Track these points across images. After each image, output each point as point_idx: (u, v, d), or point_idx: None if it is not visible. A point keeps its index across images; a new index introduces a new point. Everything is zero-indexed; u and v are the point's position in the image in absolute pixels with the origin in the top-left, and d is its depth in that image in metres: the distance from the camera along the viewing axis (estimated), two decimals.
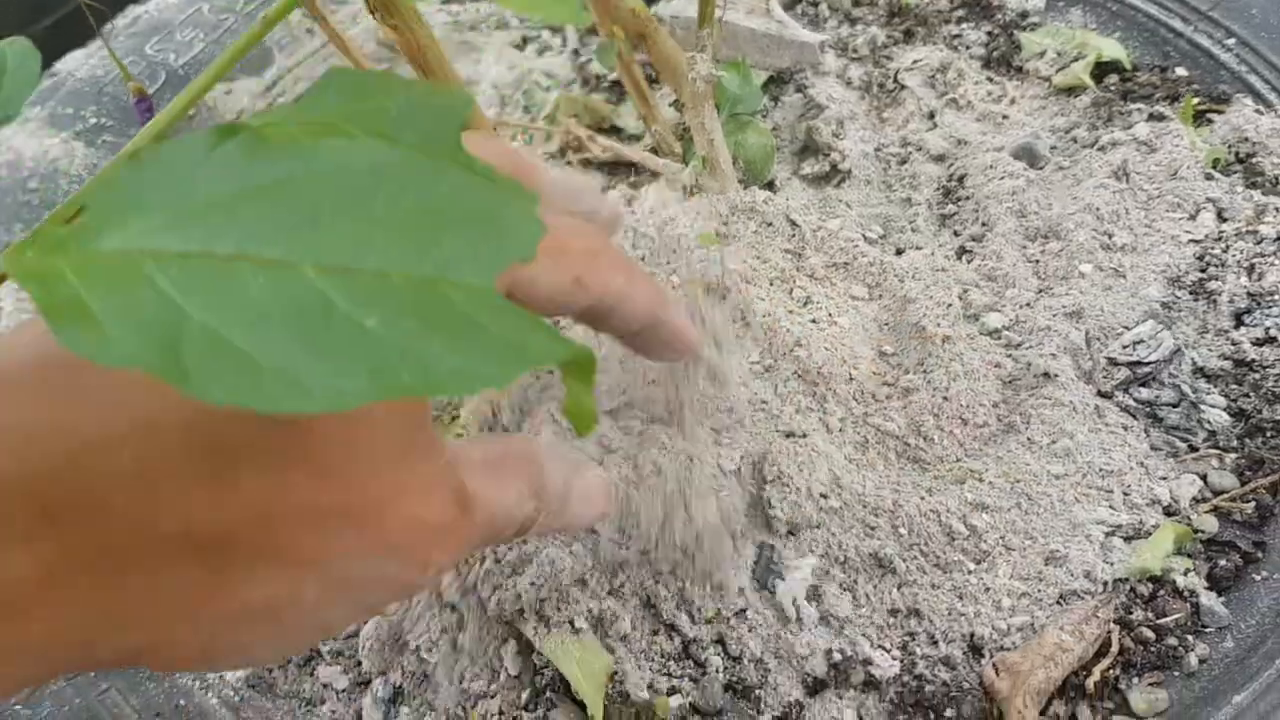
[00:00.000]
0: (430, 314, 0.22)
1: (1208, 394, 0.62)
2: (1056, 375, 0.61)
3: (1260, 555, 0.56)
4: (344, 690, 0.56)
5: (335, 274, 0.22)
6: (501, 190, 0.25)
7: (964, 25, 0.84)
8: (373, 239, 0.23)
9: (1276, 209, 0.68)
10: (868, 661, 0.54)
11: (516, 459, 0.45)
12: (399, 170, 0.24)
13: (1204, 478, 0.59)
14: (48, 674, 0.32)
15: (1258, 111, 0.73)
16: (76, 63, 0.84)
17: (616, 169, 0.77)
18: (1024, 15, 0.84)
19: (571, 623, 0.54)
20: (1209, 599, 0.55)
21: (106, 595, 0.30)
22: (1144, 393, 0.62)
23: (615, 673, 0.54)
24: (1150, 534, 0.57)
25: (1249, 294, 0.65)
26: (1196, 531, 0.57)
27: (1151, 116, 0.74)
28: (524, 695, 0.54)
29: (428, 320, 0.22)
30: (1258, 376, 0.62)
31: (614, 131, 0.81)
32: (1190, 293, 0.66)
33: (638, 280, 0.43)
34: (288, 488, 0.32)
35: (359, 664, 0.57)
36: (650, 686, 0.54)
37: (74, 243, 0.23)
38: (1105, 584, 0.55)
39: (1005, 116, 0.77)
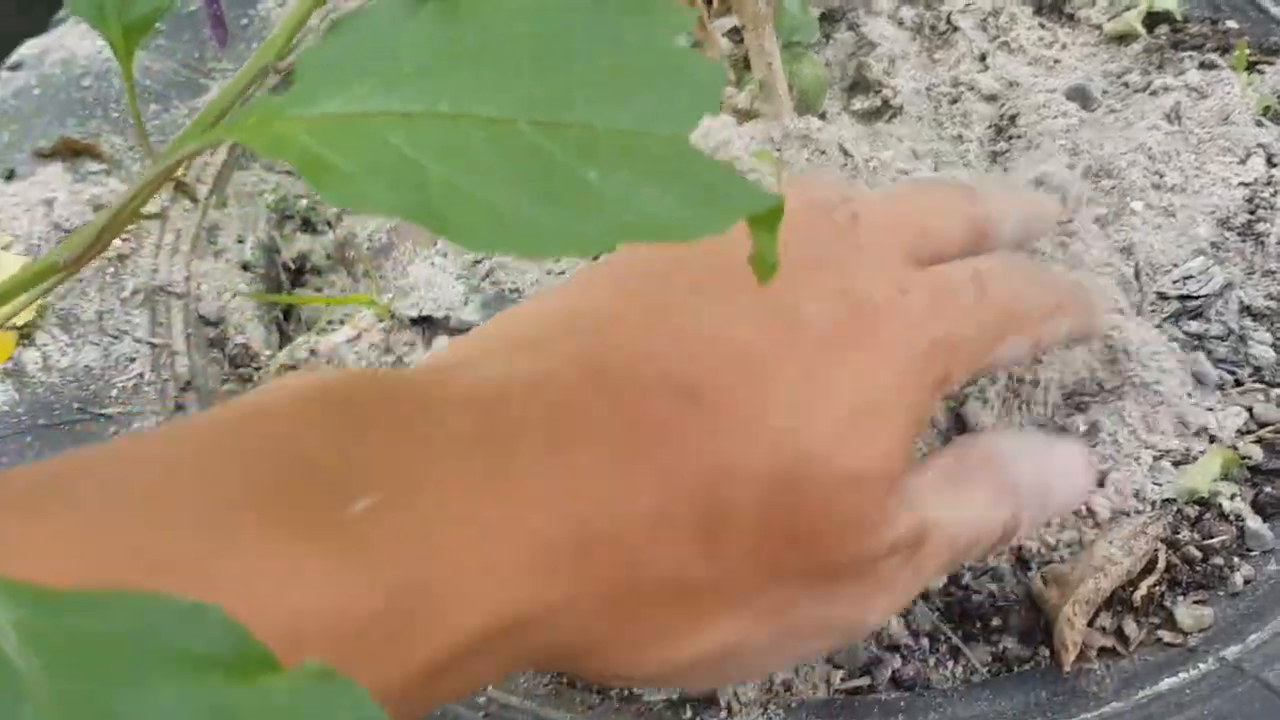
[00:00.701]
0: (641, 165, 0.23)
1: (1254, 331, 0.63)
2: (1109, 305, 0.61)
3: None
4: None
5: (549, 128, 0.24)
6: (682, 50, 0.26)
7: None
8: (576, 95, 0.24)
9: None
10: None
11: (976, 464, 0.44)
12: (590, 27, 0.26)
13: (1250, 410, 0.60)
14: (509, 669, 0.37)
15: None
16: None
17: None
18: None
19: None
20: (1255, 523, 0.55)
21: (600, 622, 0.34)
22: (1193, 325, 0.63)
23: None
24: (1198, 459, 0.58)
25: None
26: (1243, 458, 0.58)
27: (1203, 65, 0.75)
28: None
29: (640, 171, 0.23)
30: None
31: None
32: (1239, 234, 0.67)
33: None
34: (763, 552, 0.35)
35: None
36: None
37: (296, 108, 0.24)
38: (1153, 504, 0.56)
39: (1057, 61, 0.78)
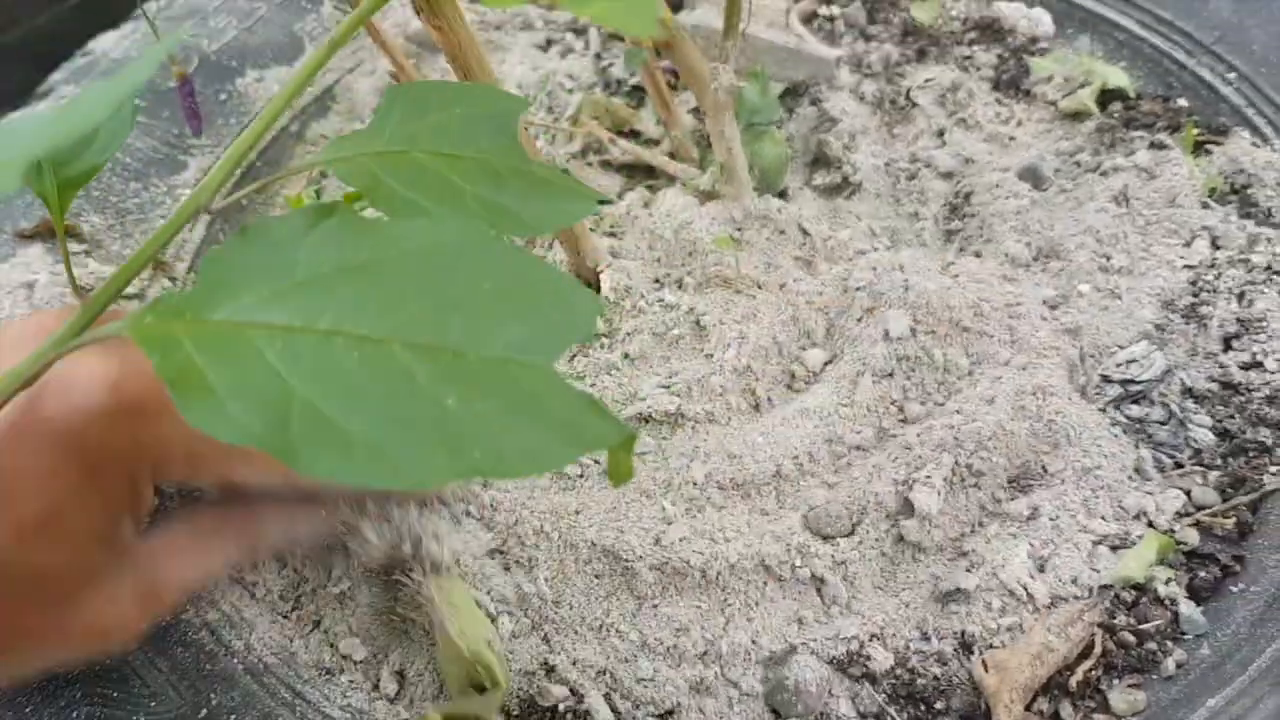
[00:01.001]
0: (500, 393, 0.25)
1: (1195, 414, 0.65)
2: (1053, 390, 0.64)
3: (1238, 568, 0.59)
4: (361, 661, 0.58)
5: (421, 351, 0.25)
6: (563, 276, 0.28)
7: (975, 47, 0.87)
8: (452, 319, 0.26)
9: (1268, 239, 0.71)
10: (865, 654, 0.57)
11: (233, 528, 0.55)
12: (477, 252, 0.27)
13: (1188, 493, 0.62)
14: None
15: (1254, 145, 0.76)
16: (111, 43, 0.86)
17: (635, 171, 0.80)
18: (1034, 40, 0.86)
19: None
20: (1188, 608, 0.57)
21: None
22: (1135, 410, 0.65)
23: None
24: (1135, 544, 0.60)
25: (1238, 320, 0.68)
26: (1179, 544, 0.60)
27: (1152, 144, 0.77)
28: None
29: (498, 399, 0.24)
30: (1243, 399, 0.65)
31: (633, 135, 0.84)
32: (1183, 316, 0.69)
33: None
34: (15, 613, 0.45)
35: (374, 638, 0.59)
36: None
37: (189, 311, 0.26)
38: (1090, 589, 0.58)
39: (1012, 138, 0.80)
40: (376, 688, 0.57)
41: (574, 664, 0.57)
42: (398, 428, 0.24)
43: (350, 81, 0.88)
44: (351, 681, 0.58)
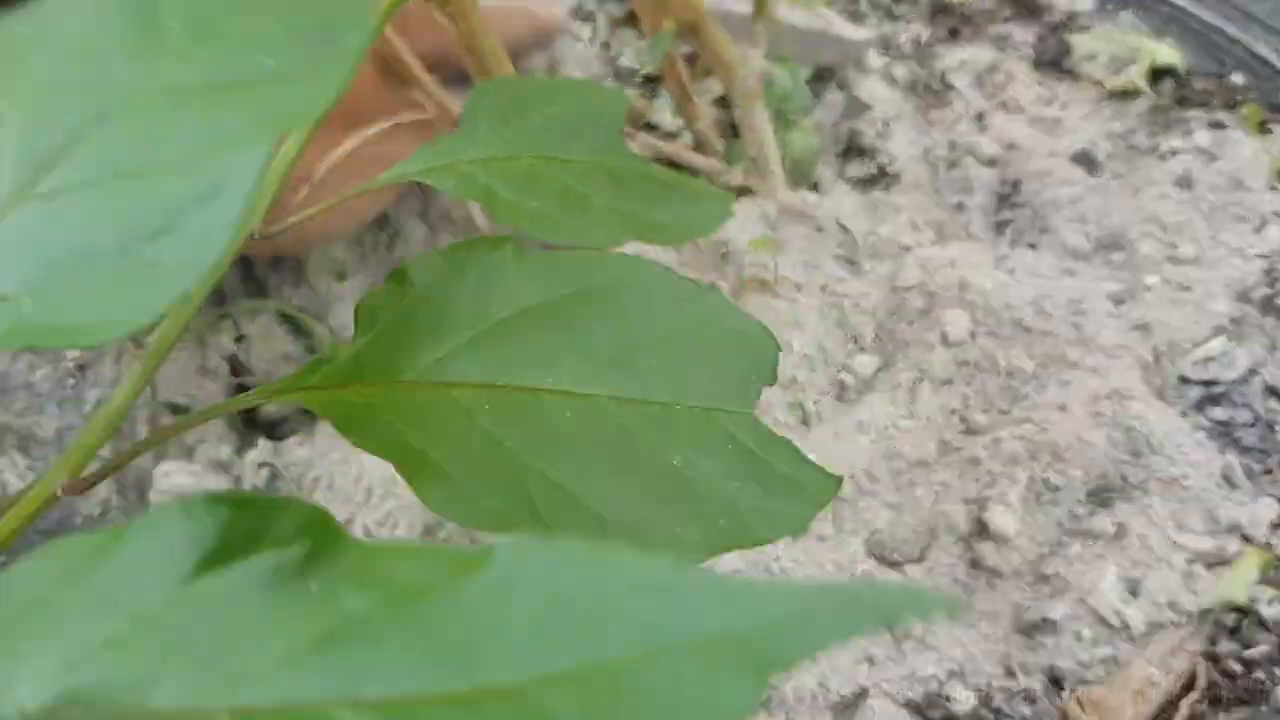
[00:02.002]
0: (719, 451, 0.23)
1: None
2: (1130, 393, 0.58)
3: None
4: None
5: (629, 405, 0.23)
6: (736, 311, 0.27)
7: (1011, 25, 0.82)
8: (646, 365, 0.24)
9: None
10: (945, 695, 0.52)
11: None
12: (655, 286, 0.25)
13: None
14: None
15: None
16: None
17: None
18: (1073, 16, 0.81)
19: None
20: None
21: None
22: (1218, 412, 0.60)
23: None
24: (1231, 560, 0.54)
25: None
26: (1278, 558, 0.55)
27: (1211, 124, 0.72)
28: None
29: (719, 458, 0.22)
30: None
31: (649, 128, 0.78)
32: (1259, 308, 0.64)
33: None
34: None
35: None
36: None
37: (362, 371, 0.21)
38: (1189, 614, 0.53)
39: (1058, 120, 0.75)
40: None
41: None
42: (640, 500, 0.22)
43: None
44: None
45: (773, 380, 0.24)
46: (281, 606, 0.17)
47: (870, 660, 0.53)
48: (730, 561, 0.54)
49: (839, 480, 0.23)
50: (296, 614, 0.16)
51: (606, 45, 0.85)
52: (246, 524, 0.17)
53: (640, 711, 0.14)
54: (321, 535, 0.17)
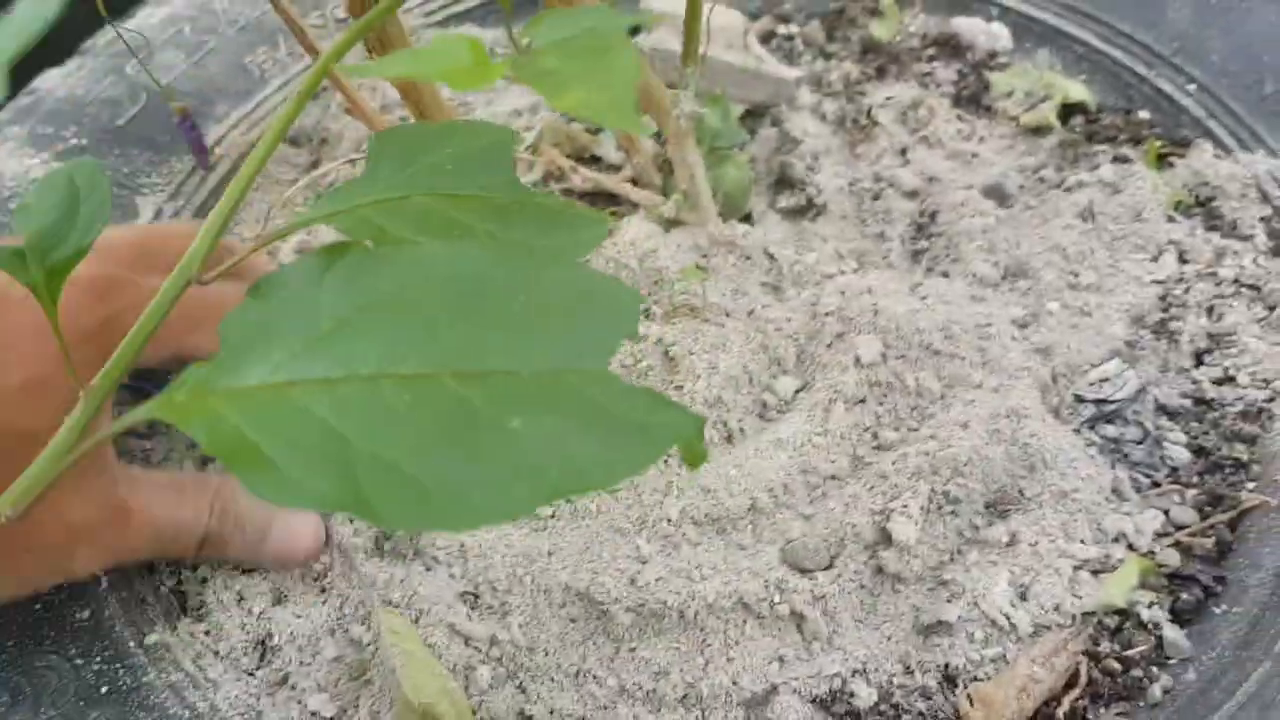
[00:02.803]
0: (564, 406, 0.24)
1: (1170, 431, 0.65)
2: (1027, 412, 0.63)
3: (1220, 589, 0.59)
4: (331, 717, 0.57)
5: (470, 379, 0.24)
6: (593, 274, 0.28)
7: (935, 63, 0.87)
8: (494, 340, 0.25)
9: (1235, 252, 0.71)
10: (848, 691, 0.56)
11: (201, 485, 0.58)
12: (501, 270, 0.26)
13: (1166, 513, 0.61)
14: None
15: (1217, 156, 0.76)
16: (54, 81, 0.83)
17: (597, 199, 0.79)
18: (993, 55, 0.86)
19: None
20: (1172, 632, 0.57)
21: None
22: (1110, 429, 0.64)
23: None
24: (1116, 568, 0.59)
25: (1209, 334, 0.68)
26: (1160, 566, 0.59)
27: (1116, 159, 0.77)
28: None
29: (563, 413, 0.24)
30: (1217, 415, 0.65)
31: (593, 161, 0.82)
32: (1153, 332, 0.69)
33: None
34: None
35: (342, 692, 0.57)
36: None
37: (219, 381, 0.24)
38: (1073, 616, 0.57)
39: (975, 155, 0.80)
40: None
41: (551, 713, 0.56)
42: (469, 464, 0.23)
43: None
44: None
45: (633, 333, 0.25)
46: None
47: (780, 659, 0.57)
48: (654, 569, 0.58)
49: (699, 420, 0.24)
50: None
51: None
52: None
53: None
54: None
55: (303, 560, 0.60)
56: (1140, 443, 0.64)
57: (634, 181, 0.78)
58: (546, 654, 0.57)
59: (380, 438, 0.23)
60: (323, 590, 0.60)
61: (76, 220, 0.34)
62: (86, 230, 0.34)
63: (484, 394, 0.24)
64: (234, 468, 0.23)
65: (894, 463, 0.62)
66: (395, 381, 0.24)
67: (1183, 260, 0.72)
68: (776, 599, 0.58)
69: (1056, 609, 0.57)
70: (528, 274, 0.27)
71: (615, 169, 0.81)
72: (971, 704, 0.55)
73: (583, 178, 0.78)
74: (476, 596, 0.59)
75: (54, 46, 0.87)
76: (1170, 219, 0.73)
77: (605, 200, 0.78)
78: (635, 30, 0.86)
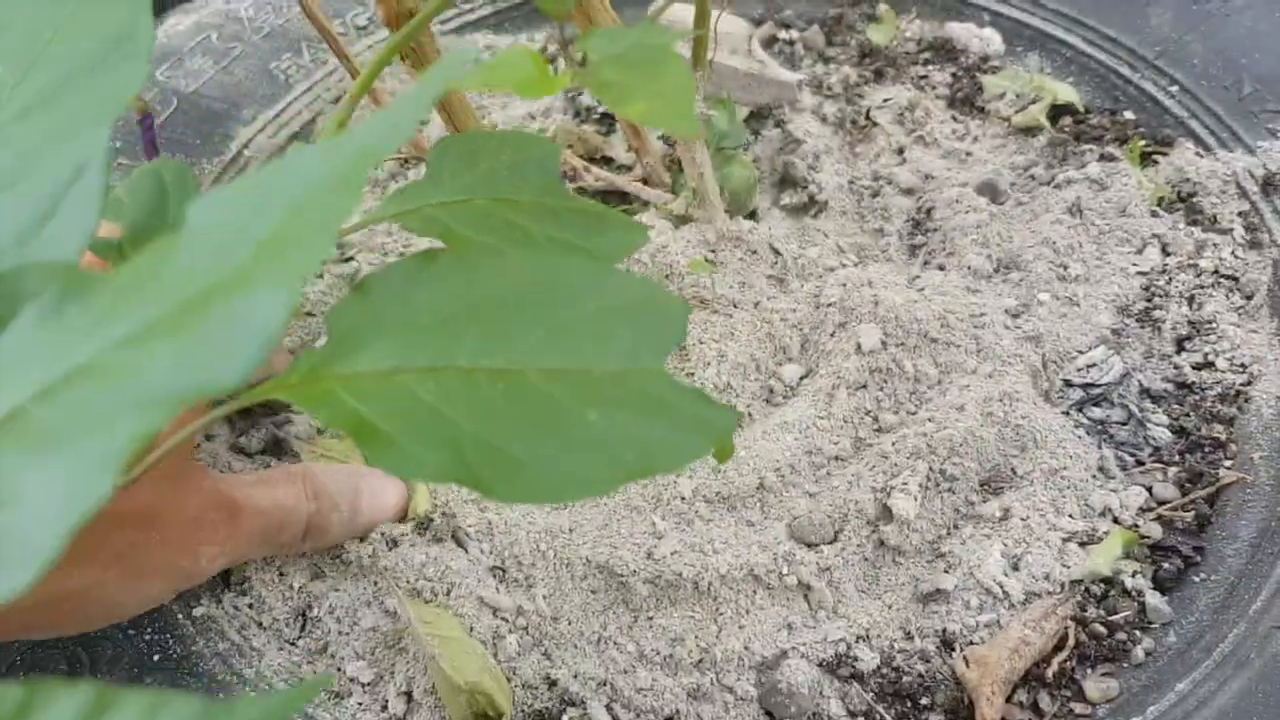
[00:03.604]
0: (631, 401, 0.28)
1: (1153, 413, 0.69)
2: (1018, 395, 0.67)
3: (1199, 559, 0.63)
4: (369, 683, 0.60)
5: (551, 375, 0.28)
6: (649, 286, 0.31)
7: (930, 67, 0.91)
8: (570, 341, 0.29)
9: (1214, 244, 0.75)
10: (852, 656, 0.60)
11: (287, 473, 0.60)
12: (572, 279, 0.30)
13: (1149, 489, 0.65)
14: None
15: (1198, 154, 0.80)
16: None
17: (609, 198, 0.83)
18: (985, 59, 0.90)
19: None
20: (1154, 598, 0.61)
21: None
22: (1096, 412, 0.68)
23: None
24: (1102, 540, 0.63)
25: (1190, 322, 0.72)
26: (1143, 538, 0.63)
27: (1102, 157, 0.81)
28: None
29: (631, 407, 0.28)
30: (1197, 398, 0.69)
31: (605, 162, 0.86)
32: (1137, 320, 0.73)
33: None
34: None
35: (379, 659, 0.61)
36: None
37: (331, 366, 0.28)
38: (1062, 584, 0.61)
39: (969, 154, 0.84)
40: (385, 708, 0.59)
41: (575, 677, 0.59)
42: (558, 447, 0.27)
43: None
44: (360, 704, 0.60)
45: (683, 338, 0.29)
46: None
47: (789, 627, 0.61)
48: (669, 544, 0.62)
49: (737, 413, 0.28)
50: None
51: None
52: None
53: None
54: None
55: (393, 516, 0.63)
56: (1125, 424, 0.68)
57: (645, 181, 0.82)
58: (569, 623, 0.61)
59: (481, 421, 0.27)
60: (360, 568, 0.64)
61: (166, 215, 0.38)
62: (177, 224, 0.38)
63: (564, 388, 0.28)
64: (359, 442, 0.27)
65: (894, 444, 0.66)
66: (488, 374, 0.28)
67: (1165, 253, 0.76)
68: (784, 571, 0.62)
69: (1046, 578, 0.61)
70: (594, 282, 0.30)
71: (627, 169, 0.85)
72: (967, 665, 0.59)
73: (595, 177, 0.82)
74: (504, 571, 0.63)
75: None
76: (1154, 214, 0.77)
77: (617, 199, 0.82)
78: None
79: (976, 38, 0.91)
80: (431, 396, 0.27)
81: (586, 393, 0.28)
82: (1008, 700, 0.58)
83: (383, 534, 0.63)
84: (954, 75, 0.90)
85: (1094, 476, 0.66)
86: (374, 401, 0.27)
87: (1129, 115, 0.84)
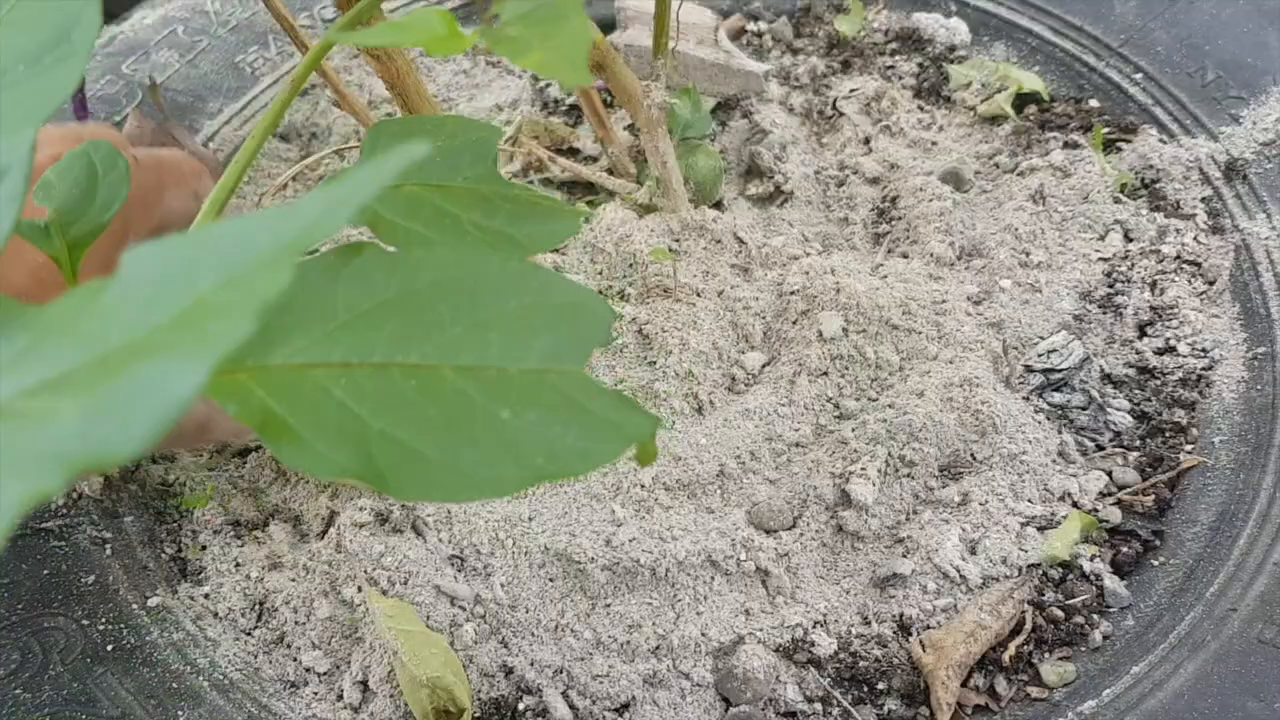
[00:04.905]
0: (546, 402, 0.27)
1: (1114, 398, 0.69)
2: (979, 381, 0.67)
3: (1158, 543, 0.63)
4: (324, 672, 0.60)
5: (467, 372, 0.28)
6: (576, 287, 0.31)
7: (897, 57, 0.91)
8: (488, 339, 0.28)
9: (1177, 230, 0.75)
10: (809, 641, 0.60)
11: None
12: (496, 274, 0.30)
13: (1109, 474, 0.65)
14: None
15: (1161, 141, 0.80)
16: None
17: (575, 188, 0.82)
18: (952, 49, 0.90)
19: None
20: (1112, 582, 0.61)
21: None
22: (1057, 397, 0.68)
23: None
24: (1060, 524, 0.63)
25: (1151, 308, 0.72)
26: (1102, 522, 0.63)
27: (1066, 144, 0.81)
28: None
29: (545, 407, 0.27)
30: (1158, 383, 0.69)
31: (571, 153, 0.86)
32: (1099, 306, 0.73)
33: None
34: None
35: (335, 650, 0.61)
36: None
37: (249, 358, 0.28)
38: (1019, 569, 0.61)
39: (934, 143, 0.84)
40: (340, 698, 0.59)
41: (532, 664, 0.59)
42: (467, 446, 0.26)
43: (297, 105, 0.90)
44: (315, 693, 0.60)
45: (606, 341, 0.29)
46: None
47: (746, 612, 0.61)
48: (628, 531, 0.62)
49: (656, 420, 0.28)
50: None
51: (535, 77, 0.93)
52: None
53: None
54: None
55: None
56: (1085, 409, 0.68)
57: (610, 171, 0.81)
58: (527, 611, 0.61)
59: (390, 418, 0.27)
60: (317, 558, 0.64)
61: (96, 197, 0.38)
62: (105, 207, 0.38)
63: (478, 386, 0.27)
64: (265, 437, 0.26)
65: (854, 430, 0.66)
66: (402, 370, 0.28)
67: (1128, 239, 0.76)
68: (743, 556, 0.62)
69: (1004, 561, 0.61)
70: (519, 281, 0.30)
71: (593, 160, 0.85)
72: (924, 649, 0.59)
73: (561, 168, 0.82)
74: (462, 559, 0.62)
75: None
76: (1117, 200, 0.77)
77: (583, 189, 0.82)
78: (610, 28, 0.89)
79: (943, 28, 0.91)
80: (342, 392, 0.27)
81: (501, 391, 0.27)
82: (964, 684, 0.58)
83: (341, 524, 0.63)
84: (920, 65, 0.90)
85: (1054, 461, 0.66)
86: (284, 396, 0.27)
87: (1094, 103, 0.84)
